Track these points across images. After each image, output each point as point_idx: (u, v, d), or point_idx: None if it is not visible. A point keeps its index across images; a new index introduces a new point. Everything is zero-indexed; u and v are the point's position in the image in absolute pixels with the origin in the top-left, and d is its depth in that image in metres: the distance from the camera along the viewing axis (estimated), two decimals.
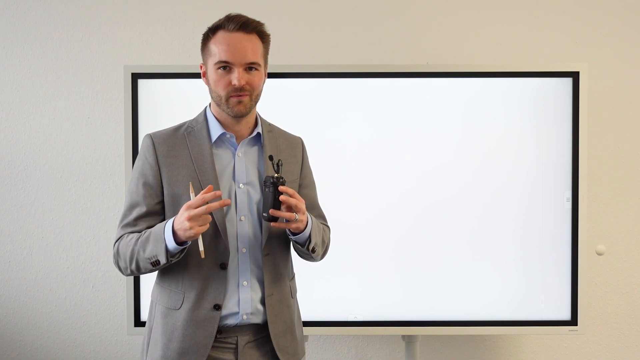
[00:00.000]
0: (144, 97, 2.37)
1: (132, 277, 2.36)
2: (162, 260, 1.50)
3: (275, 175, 1.51)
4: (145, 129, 2.34)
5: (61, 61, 2.68)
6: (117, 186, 2.67)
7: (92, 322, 2.71)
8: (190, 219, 1.44)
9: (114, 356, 2.72)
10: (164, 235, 1.49)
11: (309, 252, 1.62)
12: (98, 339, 2.72)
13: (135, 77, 2.35)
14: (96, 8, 2.68)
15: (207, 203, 1.45)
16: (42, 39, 2.68)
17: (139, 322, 2.38)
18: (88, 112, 2.68)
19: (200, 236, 1.48)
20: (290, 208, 1.52)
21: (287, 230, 1.59)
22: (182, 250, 1.51)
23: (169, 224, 1.50)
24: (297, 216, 1.51)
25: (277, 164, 1.52)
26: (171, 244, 1.48)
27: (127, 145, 2.35)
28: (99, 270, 2.69)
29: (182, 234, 1.46)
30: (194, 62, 2.63)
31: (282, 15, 2.65)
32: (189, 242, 1.50)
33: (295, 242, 1.61)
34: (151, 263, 1.52)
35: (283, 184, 1.51)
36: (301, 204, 1.53)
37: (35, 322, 2.71)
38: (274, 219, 1.51)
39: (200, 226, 1.45)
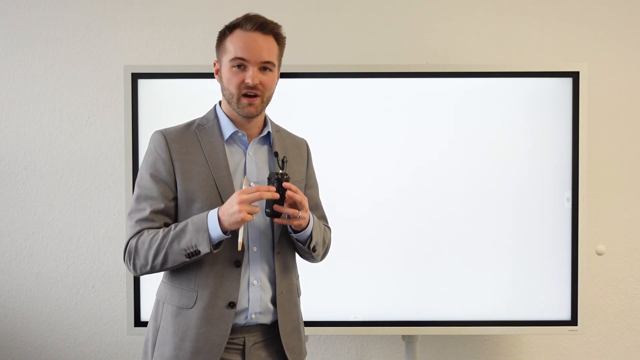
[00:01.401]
0: (144, 97, 2.36)
1: (132, 277, 2.36)
2: (204, 249, 1.49)
3: (280, 171, 1.51)
4: (145, 129, 2.34)
5: (61, 61, 2.68)
6: (117, 186, 2.67)
7: (92, 322, 2.71)
8: (241, 202, 1.45)
9: (114, 356, 2.72)
10: (207, 225, 1.49)
11: (310, 250, 1.62)
12: (98, 339, 2.71)
13: (135, 77, 2.35)
14: (96, 8, 2.68)
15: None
16: (42, 39, 2.68)
17: (139, 322, 2.37)
18: (88, 112, 2.68)
19: (243, 227, 1.50)
20: (293, 205, 1.52)
21: (288, 228, 1.59)
22: (222, 241, 1.51)
23: (212, 213, 1.50)
24: (300, 213, 1.52)
25: (282, 161, 1.53)
26: (216, 233, 1.48)
27: (127, 145, 2.35)
28: (99, 270, 2.69)
29: (227, 220, 1.47)
30: (194, 62, 2.63)
31: (282, 16, 2.64)
32: (229, 234, 1.50)
33: (297, 239, 1.61)
34: (187, 254, 1.50)
35: (287, 181, 1.51)
36: (305, 201, 1.54)
37: (35, 322, 2.71)
38: (277, 215, 1.52)
39: (248, 213, 1.46)
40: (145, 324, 2.36)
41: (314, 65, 2.49)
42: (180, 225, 1.53)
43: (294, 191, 1.51)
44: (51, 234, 2.69)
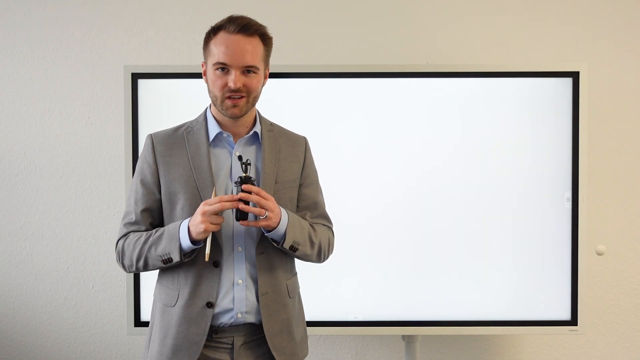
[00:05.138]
0: (144, 97, 2.37)
1: (132, 277, 2.36)
2: (175, 258, 1.54)
3: (244, 175, 1.53)
4: (145, 129, 2.34)
5: (61, 61, 2.68)
6: (117, 186, 2.67)
7: (92, 322, 2.71)
8: (203, 213, 1.49)
9: (114, 356, 2.72)
10: (179, 234, 1.53)
11: (289, 250, 1.60)
12: (98, 339, 2.72)
13: (135, 77, 2.35)
14: (96, 8, 2.68)
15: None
16: (42, 39, 2.68)
17: (139, 322, 2.38)
18: (88, 112, 2.68)
19: (209, 238, 1.53)
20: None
21: (262, 228, 1.58)
22: (195, 249, 1.55)
23: (184, 223, 1.54)
24: (267, 213, 1.52)
25: (245, 164, 1.53)
26: (185, 243, 1.53)
27: (127, 145, 2.35)
28: (99, 270, 2.69)
29: (193, 230, 1.51)
30: (194, 62, 2.63)
31: (282, 15, 2.65)
32: (202, 243, 1.54)
33: (272, 239, 1.59)
34: (163, 261, 1.56)
35: (253, 183, 1.52)
36: (266, 201, 1.52)
37: (35, 322, 2.71)
38: (244, 217, 1.52)
39: (212, 224, 1.50)
40: (145, 324, 2.37)
41: (313, 65, 2.50)
42: (159, 232, 1.58)
43: (255, 192, 1.50)
44: (51, 234, 2.69)
